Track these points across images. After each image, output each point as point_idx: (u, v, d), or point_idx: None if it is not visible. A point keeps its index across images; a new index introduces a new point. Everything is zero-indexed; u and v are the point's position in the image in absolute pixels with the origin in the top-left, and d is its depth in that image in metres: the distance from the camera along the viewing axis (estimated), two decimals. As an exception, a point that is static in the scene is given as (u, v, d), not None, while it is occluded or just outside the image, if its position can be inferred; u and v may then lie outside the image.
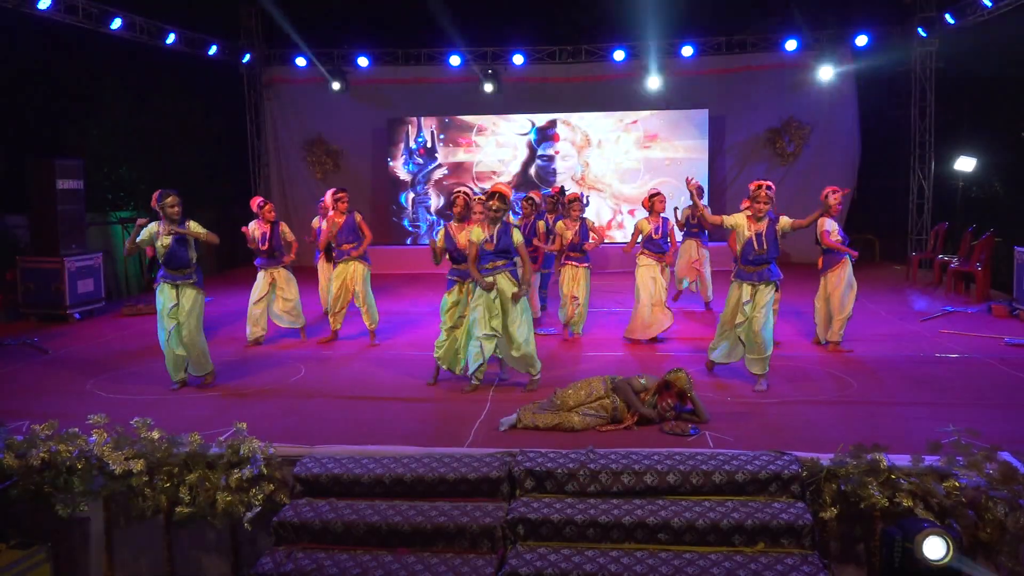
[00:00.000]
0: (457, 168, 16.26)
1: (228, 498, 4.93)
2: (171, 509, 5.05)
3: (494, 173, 16.18)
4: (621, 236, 15.82)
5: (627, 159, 15.85)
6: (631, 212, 15.66)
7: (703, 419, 5.88)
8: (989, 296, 10.82)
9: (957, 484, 4.60)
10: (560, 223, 8.94)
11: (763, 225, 6.73)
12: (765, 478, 4.74)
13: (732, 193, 15.96)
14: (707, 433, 5.65)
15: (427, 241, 16.27)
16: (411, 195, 16.34)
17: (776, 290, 6.91)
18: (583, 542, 4.58)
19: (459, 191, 7.45)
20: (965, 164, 13.55)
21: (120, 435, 5.22)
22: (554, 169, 16.03)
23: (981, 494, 4.54)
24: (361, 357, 8.30)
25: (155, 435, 5.21)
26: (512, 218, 8.18)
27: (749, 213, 6.82)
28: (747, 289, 6.76)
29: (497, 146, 16.14)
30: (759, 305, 6.70)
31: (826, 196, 7.91)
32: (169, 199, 6.95)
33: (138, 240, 6.97)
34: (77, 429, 5.34)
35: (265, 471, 5.02)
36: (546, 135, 16.02)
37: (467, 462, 5.04)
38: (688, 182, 7.35)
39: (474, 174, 16.21)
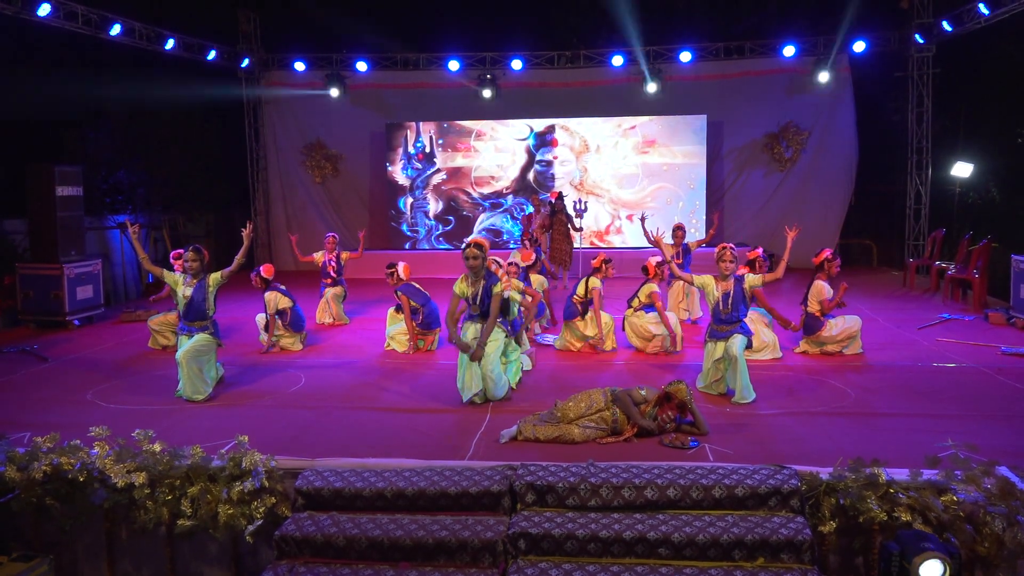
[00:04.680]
0: (456, 173, 16.28)
1: (230, 511, 4.95)
2: (173, 522, 5.07)
3: (492, 178, 16.21)
4: (619, 242, 15.87)
5: (625, 164, 15.88)
6: (629, 218, 15.70)
7: (703, 431, 5.90)
8: (986, 303, 10.84)
9: (955, 499, 4.64)
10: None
11: (730, 284, 6.85)
12: (765, 492, 4.77)
13: (730, 197, 16.02)
14: (707, 446, 5.67)
15: (426, 246, 16.30)
16: (410, 200, 16.36)
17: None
18: (584, 557, 4.60)
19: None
20: (962, 170, 13.61)
21: (122, 448, 5.24)
22: (552, 174, 16.06)
23: (979, 509, 4.57)
24: (359, 367, 8.31)
25: (157, 448, 5.23)
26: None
27: (716, 274, 6.94)
28: (720, 347, 6.87)
29: (496, 151, 16.16)
30: (732, 354, 6.74)
31: (823, 261, 8.13)
32: (188, 254, 7.18)
33: (164, 281, 7.37)
34: (79, 441, 5.36)
35: (267, 484, 5.04)
36: (544, 140, 16.05)
37: (469, 476, 5.06)
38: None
39: (472, 179, 16.24)
